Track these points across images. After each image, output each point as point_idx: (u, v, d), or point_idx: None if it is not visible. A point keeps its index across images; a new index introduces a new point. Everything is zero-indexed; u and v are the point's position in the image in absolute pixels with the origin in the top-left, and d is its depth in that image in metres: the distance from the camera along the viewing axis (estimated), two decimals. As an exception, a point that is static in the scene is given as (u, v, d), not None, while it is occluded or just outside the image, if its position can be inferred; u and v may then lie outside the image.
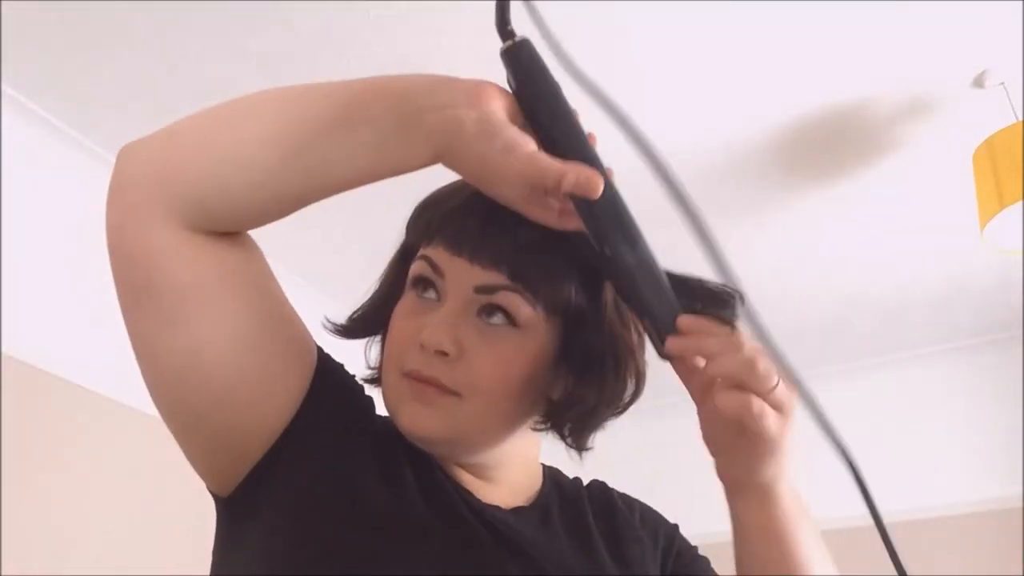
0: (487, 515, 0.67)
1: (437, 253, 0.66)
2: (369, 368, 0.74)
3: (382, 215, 2.06)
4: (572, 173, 0.58)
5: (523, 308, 0.65)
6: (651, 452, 3.02)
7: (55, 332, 1.98)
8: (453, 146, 0.59)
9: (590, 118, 0.62)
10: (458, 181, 0.69)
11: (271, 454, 0.64)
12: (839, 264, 2.62)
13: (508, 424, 0.68)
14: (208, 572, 0.68)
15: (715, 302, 0.61)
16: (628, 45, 1.81)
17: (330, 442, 0.65)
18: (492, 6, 0.59)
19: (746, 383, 0.56)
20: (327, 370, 0.69)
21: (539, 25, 0.60)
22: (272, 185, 0.60)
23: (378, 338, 0.74)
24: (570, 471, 0.82)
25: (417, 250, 0.69)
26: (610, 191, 0.60)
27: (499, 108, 0.59)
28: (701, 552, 0.80)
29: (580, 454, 0.71)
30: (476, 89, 0.59)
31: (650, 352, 0.67)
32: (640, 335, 0.70)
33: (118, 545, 1.96)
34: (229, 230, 0.62)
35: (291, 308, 0.67)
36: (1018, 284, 2.65)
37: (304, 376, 0.66)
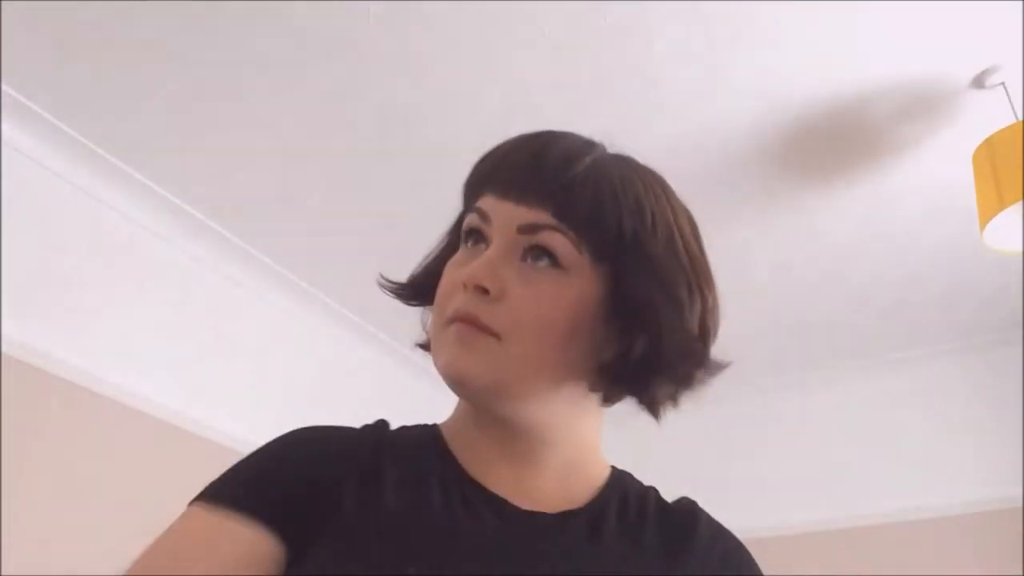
0: (522, 527, 0.64)
1: (486, 201, 0.66)
2: (426, 333, 0.71)
3: (390, 224, 2.05)
4: None
5: (567, 249, 0.63)
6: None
7: (56, 332, 1.98)
8: None
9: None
10: (504, 141, 0.68)
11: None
12: (838, 264, 2.61)
13: (551, 375, 0.64)
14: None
15: None
16: (628, 43, 1.81)
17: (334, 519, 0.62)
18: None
19: None
20: (286, 514, 0.64)
21: None
22: None
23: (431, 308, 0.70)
24: (621, 458, 0.76)
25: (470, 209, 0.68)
26: None
27: None
28: (748, 550, 0.72)
29: (656, 416, 0.67)
30: None
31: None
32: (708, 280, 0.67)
33: (119, 545, 1.95)
34: None
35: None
36: (1018, 284, 2.65)
37: (277, 549, 0.62)
